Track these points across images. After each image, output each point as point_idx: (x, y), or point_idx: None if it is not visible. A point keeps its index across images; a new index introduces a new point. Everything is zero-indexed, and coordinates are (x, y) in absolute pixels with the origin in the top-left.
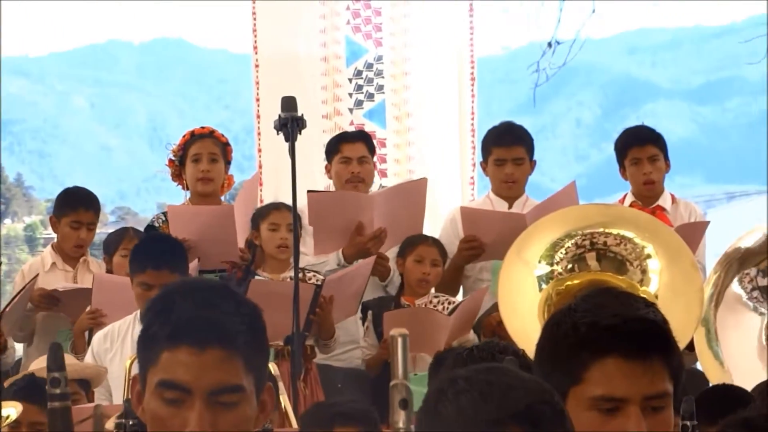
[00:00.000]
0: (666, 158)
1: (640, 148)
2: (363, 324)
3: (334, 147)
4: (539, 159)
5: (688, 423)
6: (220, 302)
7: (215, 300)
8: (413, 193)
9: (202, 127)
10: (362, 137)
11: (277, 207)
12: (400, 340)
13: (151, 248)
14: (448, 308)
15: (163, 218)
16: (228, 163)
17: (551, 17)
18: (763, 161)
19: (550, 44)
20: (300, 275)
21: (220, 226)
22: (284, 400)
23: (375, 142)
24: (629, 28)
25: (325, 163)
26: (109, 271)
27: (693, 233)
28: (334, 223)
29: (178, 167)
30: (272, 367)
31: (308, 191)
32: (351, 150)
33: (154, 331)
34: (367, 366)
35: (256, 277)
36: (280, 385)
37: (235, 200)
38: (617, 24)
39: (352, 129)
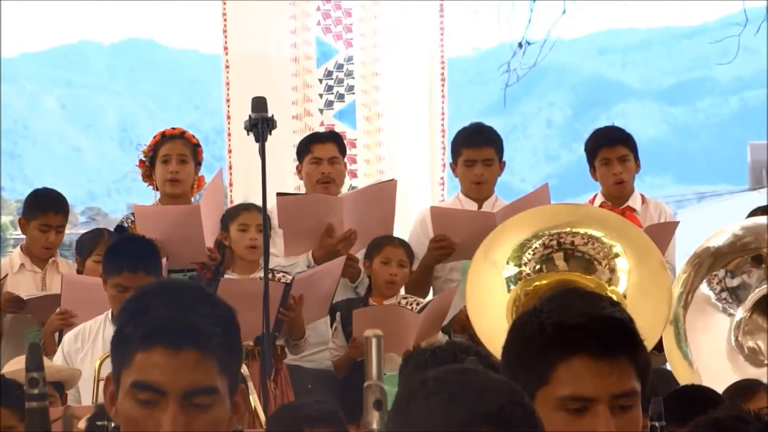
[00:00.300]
0: (636, 159)
1: (610, 149)
2: (332, 325)
3: (304, 147)
4: (509, 159)
5: (657, 424)
6: (196, 304)
7: (190, 302)
8: (383, 194)
9: (173, 128)
10: (333, 138)
11: (246, 207)
12: (374, 340)
13: (127, 250)
14: (416, 309)
15: (132, 219)
16: (198, 164)
17: (522, 18)
18: (734, 161)
19: (520, 45)
20: (270, 276)
21: (187, 225)
22: (254, 400)
23: (345, 142)
24: (600, 29)
25: (296, 163)
26: (80, 272)
27: (663, 233)
28: (304, 226)
29: (148, 168)
30: (242, 367)
31: (277, 194)
32: (322, 150)
33: (129, 332)
34: (335, 367)
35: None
36: (250, 385)
37: (201, 199)
38: (588, 24)
39: (322, 130)
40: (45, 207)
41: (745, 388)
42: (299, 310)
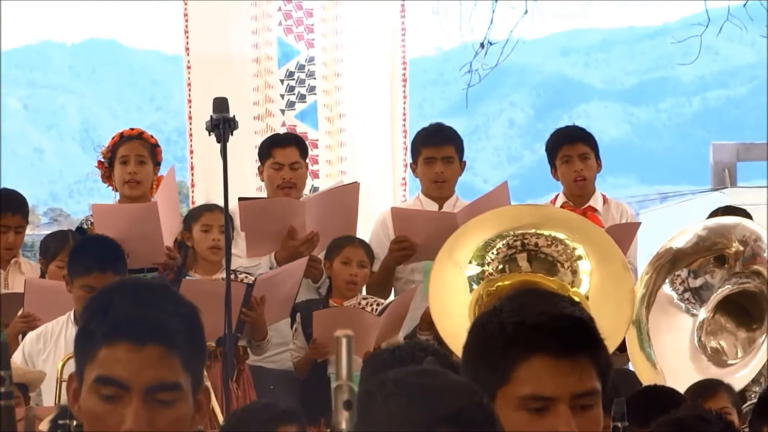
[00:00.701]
0: (597, 158)
1: (570, 146)
2: (292, 326)
3: (266, 151)
4: (471, 160)
5: (619, 424)
6: (160, 301)
7: (154, 298)
8: (345, 197)
9: (131, 129)
10: (295, 141)
11: (209, 208)
12: (344, 340)
13: (94, 250)
14: (377, 310)
15: (92, 220)
16: (157, 164)
17: (484, 18)
18: (696, 162)
19: (482, 45)
20: (232, 277)
21: (144, 223)
22: (213, 402)
23: (307, 143)
24: (562, 29)
25: (258, 164)
26: (43, 273)
27: (624, 234)
28: (266, 229)
29: (107, 169)
30: None
31: (239, 198)
32: (283, 156)
33: (93, 328)
34: (296, 367)
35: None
36: (207, 385)
37: (156, 197)
38: (550, 25)
39: (284, 130)
40: (2, 208)
41: (706, 388)
42: (261, 311)
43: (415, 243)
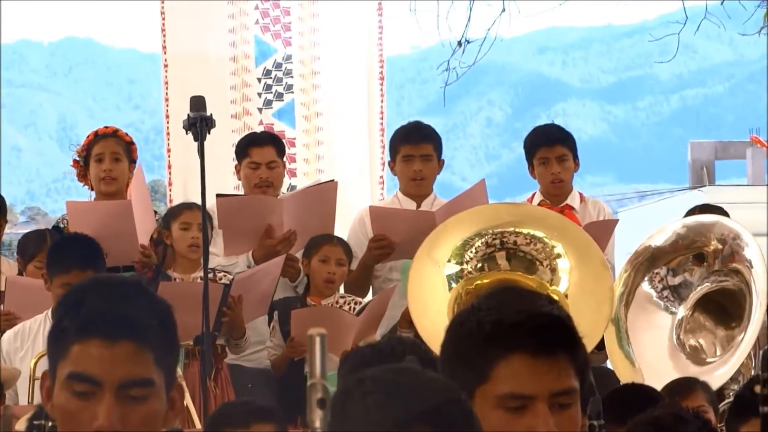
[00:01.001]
0: (575, 158)
1: (548, 148)
2: (269, 324)
3: (242, 150)
4: (449, 158)
5: (596, 422)
6: (132, 297)
7: (127, 295)
8: (323, 196)
9: (106, 127)
10: (271, 140)
11: (189, 207)
12: (317, 339)
13: (73, 249)
14: (354, 309)
15: (68, 219)
16: (133, 161)
17: (461, 16)
18: (674, 160)
19: (460, 43)
20: (211, 275)
21: (118, 221)
22: (187, 400)
23: (284, 141)
24: (540, 27)
25: (235, 163)
26: (21, 273)
27: (602, 232)
28: (244, 226)
29: (83, 168)
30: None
31: (217, 195)
32: (259, 155)
33: (65, 325)
34: (273, 366)
35: (167, 277)
36: (183, 384)
37: (128, 196)
38: (527, 23)
39: (261, 129)
40: None
41: (682, 386)
42: (239, 310)
43: (393, 241)
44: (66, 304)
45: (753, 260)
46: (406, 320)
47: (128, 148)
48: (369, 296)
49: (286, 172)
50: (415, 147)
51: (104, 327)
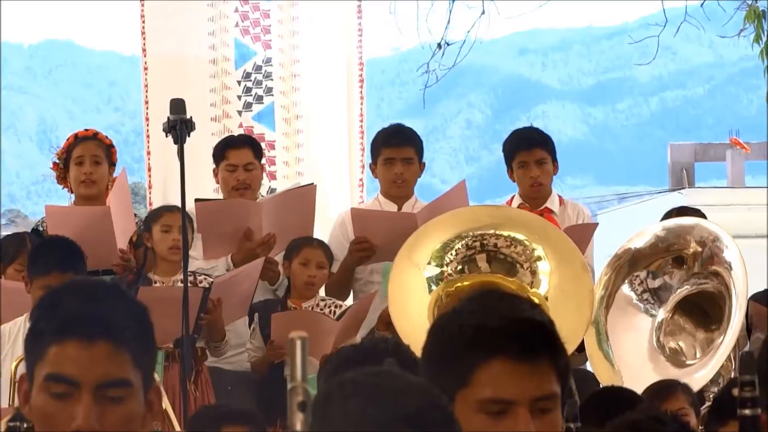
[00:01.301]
0: (554, 161)
1: (527, 152)
2: (250, 326)
3: (220, 153)
4: (429, 160)
5: (572, 425)
6: (109, 298)
7: (104, 296)
8: (302, 199)
9: (86, 130)
10: (248, 142)
11: (169, 209)
12: (299, 342)
13: (54, 251)
14: (335, 312)
15: (48, 223)
16: (113, 164)
17: (441, 18)
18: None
19: (439, 45)
20: (191, 278)
21: (98, 226)
22: (165, 403)
23: (264, 144)
24: (519, 30)
25: (214, 166)
26: None
27: (581, 234)
28: (223, 230)
29: (62, 170)
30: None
31: (196, 200)
32: (237, 157)
33: (42, 327)
34: (253, 368)
35: (147, 280)
36: (158, 385)
37: (109, 200)
38: (507, 25)
39: (241, 131)
40: None
41: (663, 389)
42: (218, 314)
43: (374, 244)
44: (42, 306)
45: (732, 262)
46: (384, 322)
47: (108, 150)
48: (350, 299)
49: (265, 175)
50: (396, 150)
51: (81, 327)
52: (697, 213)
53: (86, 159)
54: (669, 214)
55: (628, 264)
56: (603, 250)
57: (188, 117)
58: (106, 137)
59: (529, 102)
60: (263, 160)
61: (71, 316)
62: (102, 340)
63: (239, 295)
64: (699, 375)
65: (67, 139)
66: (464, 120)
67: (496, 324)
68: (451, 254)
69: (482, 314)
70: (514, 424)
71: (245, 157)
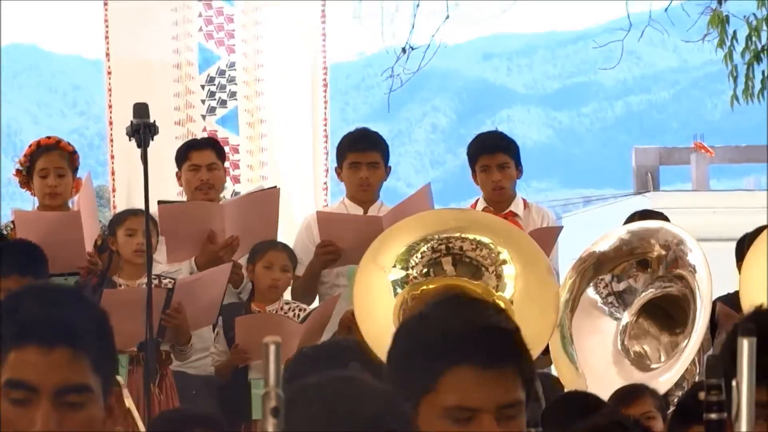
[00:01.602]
0: (518, 165)
1: (489, 156)
2: (213, 329)
3: (182, 155)
4: (395, 164)
5: (533, 430)
6: (68, 303)
7: (63, 301)
8: (265, 202)
9: (48, 138)
10: (211, 144)
11: (134, 213)
12: (272, 347)
13: (15, 254)
14: (299, 315)
15: (12, 225)
16: (76, 169)
17: (405, 23)
18: (619, 166)
19: (404, 50)
20: (156, 281)
21: (66, 230)
22: (129, 404)
23: (228, 148)
24: (484, 34)
25: (177, 170)
26: None
27: (546, 238)
28: (186, 233)
29: (26, 176)
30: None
31: (159, 202)
32: (199, 157)
33: (2, 332)
34: (217, 371)
35: (112, 284)
36: (125, 392)
37: (77, 205)
38: (472, 30)
39: (204, 135)
40: None
41: (630, 392)
42: (183, 316)
43: (340, 247)
44: (1, 311)
45: (697, 265)
46: (345, 326)
47: (71, 158)
48: (316, 302)
49: (230, 179)
50: (362, 154)
51: (40, 333)
52: (660, 216)
53: (50, 172)
54: (632, 218)
55: (593, 267)
56: (568, 253)
57: (152, 121)
58: (69, 144)
59: (495, 106)
60: (227, 164)
61: (30, 321)
62: (61, 346)
63: (207, 299)
64: (664, 378)
65: (30, 146)
66: (429, 124)
67: (461, 331)
68: (417, 257)
69: (448, 320)
70: (479, 430)
71: (208, 157)
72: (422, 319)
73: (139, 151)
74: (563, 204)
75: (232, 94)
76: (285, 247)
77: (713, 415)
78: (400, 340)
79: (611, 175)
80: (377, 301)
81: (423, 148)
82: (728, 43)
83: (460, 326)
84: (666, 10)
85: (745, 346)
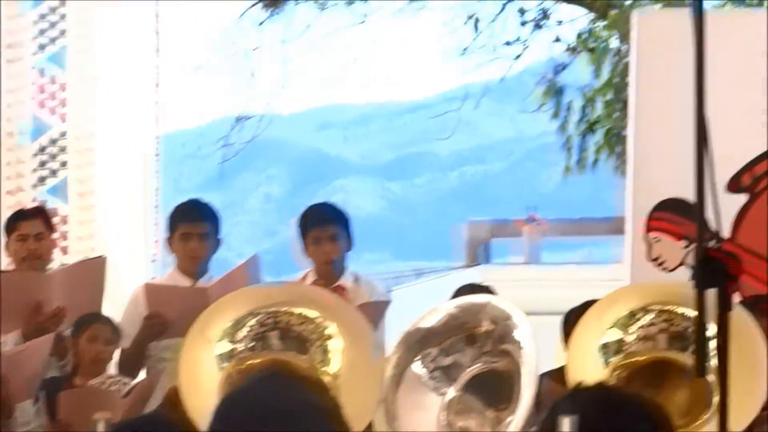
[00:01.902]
0: (349, 237)
1: (320, 229)
2: (35, 404)
3: (11, 225)
4: (227, 235)
5: None
6: None
7: None
8: (91, 271)
9: None
10: (39, 213)
11: None
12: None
13: None
14: (123, 390)
15: None
16: None
17: (240, 93)
18: (452, 237)
19: (238, 119)
20: None
21: None
22: None
23: (58, 218)
24: (319, 104)
25: (5, 240)
26: None
27: (374, 312)
28: (12, 303)
29: None
30: None
31: None
32: (27, 227)
33: None
34: None
35: None
36: None
37: None
38: (307, 100)
39: (33, 205)
40: None
41: None
42: (7, 390)
43: (167, 319)
44: None
45: (523, 341)
46: (170, 401)
47: None
48: (143, 375)
49: (58, 250)
50: (193, 225)
51: None
52: (485, 290)
53: None
54: (458, 292)
55: (419, 342)
56: (398, 325)
57: None
58: None
59: (329, 176)
60: (56, 234)
61: None
62: None
63: (28, 371)
64: None
65: None
66: (263, 194)
67: (279, 408)
68: (244, 331)
69: (269, 399)
70: None
71: (36, 227)
72: (242, 396)
73: None
74: (395, 276)
75: (63, 164)
76: (108, 319)
77: None
78: (219, 418)
79: (444, 248)
80: (203, 375)
81: (257, 218)
82: (564, 114)
83: (278, 404)
84: (501, 80)
85: (566, 425)
